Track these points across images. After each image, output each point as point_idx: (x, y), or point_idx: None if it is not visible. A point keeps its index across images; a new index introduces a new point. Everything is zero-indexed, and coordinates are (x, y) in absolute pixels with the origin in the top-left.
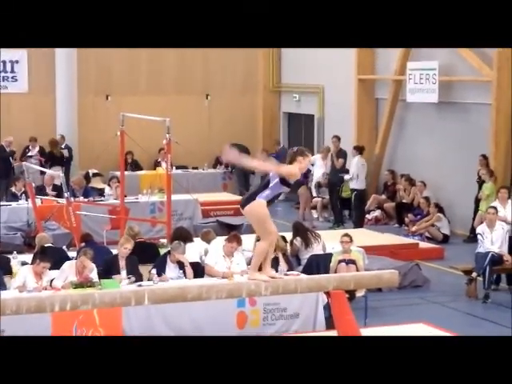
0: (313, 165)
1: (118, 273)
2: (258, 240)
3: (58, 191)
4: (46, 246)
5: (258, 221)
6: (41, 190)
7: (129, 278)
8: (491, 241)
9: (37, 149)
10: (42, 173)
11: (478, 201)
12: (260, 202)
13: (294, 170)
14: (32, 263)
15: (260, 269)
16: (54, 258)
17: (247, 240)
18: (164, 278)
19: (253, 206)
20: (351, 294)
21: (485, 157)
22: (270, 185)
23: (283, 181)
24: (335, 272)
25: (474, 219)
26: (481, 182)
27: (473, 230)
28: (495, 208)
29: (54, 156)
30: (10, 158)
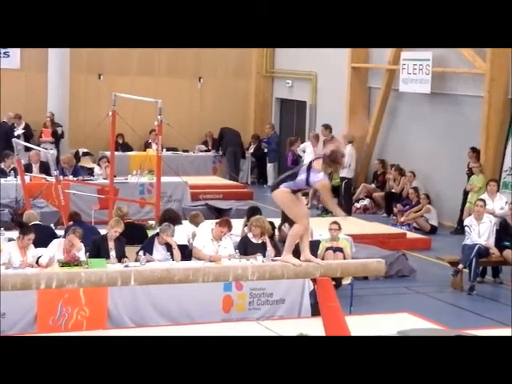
0: (304, 152)
1: (107, 253)
2: (245, 225)
3: (45, 169)
4: (33, 223)
5: (283, 206)
6: (27, 168)
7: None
8: (478, 233)
9: (22, 126)
10: (27, 150)
11: (466, 193)
12: (283, 190)
13: (326, 185)
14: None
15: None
16: (41, 235)
17: (235, 225)
18: (150, 258)
19: (277, 193)
20: (337, 282)
21: (474, 149)
22: (297, 178)
23: (308, 182)
24: (322, 259)
25: (461, 211)
26: (470, 175)
27: (460, 221)
28: (483, 200)
29: (57, 133)
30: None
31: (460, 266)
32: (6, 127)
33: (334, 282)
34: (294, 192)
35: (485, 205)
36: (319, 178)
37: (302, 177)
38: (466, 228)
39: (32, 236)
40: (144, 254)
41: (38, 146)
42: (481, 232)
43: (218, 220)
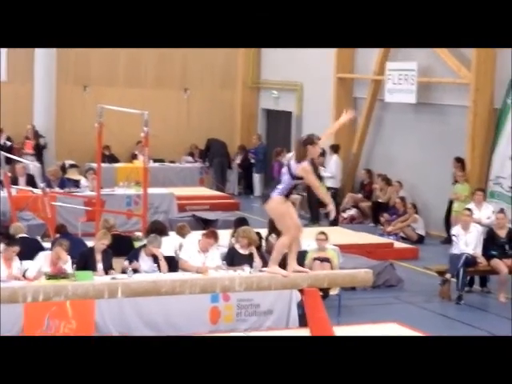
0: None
1: (94, 266)
2: (232, 236)
3: (32, 181)
4: (20, 236)
5: (276, 217)
6: (13, 181)
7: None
8: (465, 242)
9: (3, 138)
10: (8, 162)
11: (450, 202)
12: (276, 199)
13: (307, 169)
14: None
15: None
16: (28, 248)
17: (222, 236)
18: (135, 265)
19: (271, 203)
20: (325, 292)
21: (459, 159)
22: (283, 182)
23: (294, 176)
24: (310, 269)
25: (446, 220)
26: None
27: (449, 231)
28: (470, 210)
29: (39, 146)
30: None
31: (447, 276)
32: None
33: (321, 293)
34: (287, 196)
35: (471, 214)
36: (300, 165)
37: (285, 176)
38: (453, 237)
39: (17, 248)
40: (129, 263)
41: (21, 157)
42: (468, 241)
43: (204, 231)
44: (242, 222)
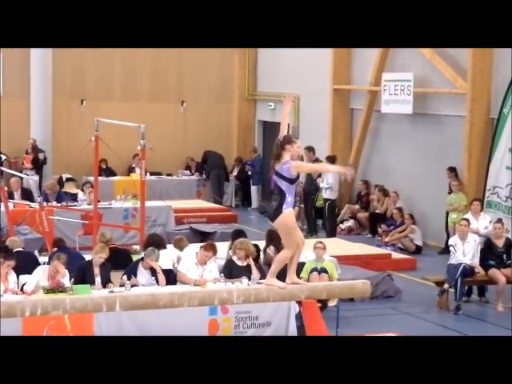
0: None
1: (92, 279)
2: (230, 249)
3: (27, 195)
4: (16, 250)
5: (286, 231)
6: (8, 195)
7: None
8: (463, 252)
9: None
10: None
11: (448, 213)
12: (289, 213)
13: (298, 164)
14: None
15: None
16: (24, 262)
17: (220, 248)
18: (135, 281)
19: (283, 218)
20: (323, 304)
21: (452, 169)
22: (286, 191)
23: (290, 180)
24: (307, 281)
25: (447, 231)
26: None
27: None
28: (467, 220)
29: (38, 160)
30: None
31: (445, 286)
32: None
33: (320, 304)
34: (295, 204)
35: (469, 224)
36: (288, 165)
37: (283, 184)
38: (451, 248)
39: (12, 263)
40: (128, 279)
41: (21, 172)
42: (465, 251)
43: (202, 244)
44: (239, 233)
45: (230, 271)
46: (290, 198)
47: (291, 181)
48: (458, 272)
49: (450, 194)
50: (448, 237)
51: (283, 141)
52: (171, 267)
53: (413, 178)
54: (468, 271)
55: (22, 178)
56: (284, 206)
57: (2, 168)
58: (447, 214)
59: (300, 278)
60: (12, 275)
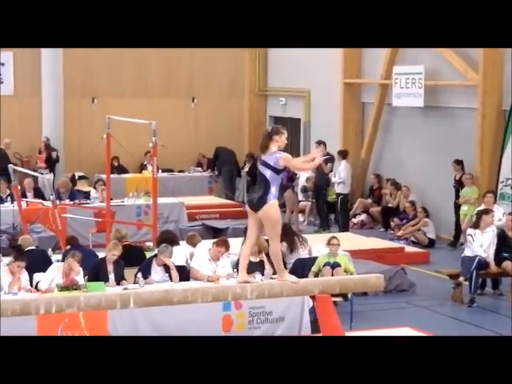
0: None
1: (106, 277)
2: (243, 244)
3: (40, 194)
4: (28, 248)
5: (270, 224)
6: (21, 194)
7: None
8: (480, 243)
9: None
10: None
11: (457, 206)
12: (274, 204)
13: (287, 157)
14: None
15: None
16: (36, 260)
17: (233, 244)
18: (150, 281)
19: (268, 210)
20: (344, 296)
21: (458, 161)
22: (270, 181)
23: (277, 170)
24: (316, 276)
25: (456, 224)
26: (458, 187)
27: (457, 235)
28: (492, 211)
29: (51, 159)
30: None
31: (461, 279)
32: (3, 154)
33: (341, 297)
34: (283, 191)
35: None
36: (277, 156)
37: (268, 174)
38: (469, 237)
39: (23, 263)
40: (143, 277)
41: (34, 171)
42: (483, 242)
43: (215, 240)
44: None
45: None
46: (274, 189)
47: (277, 171)
48: (474, 265)
49: (454, 187)
50: (457, 230)
51: (271, 131)
52: (184, 264)
53: (425, 172)
54: (483, 264)
55: (35, 177)
56: (268, 197)
57: (17, 167)
58: (456, 207)
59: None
60: (24, 274)
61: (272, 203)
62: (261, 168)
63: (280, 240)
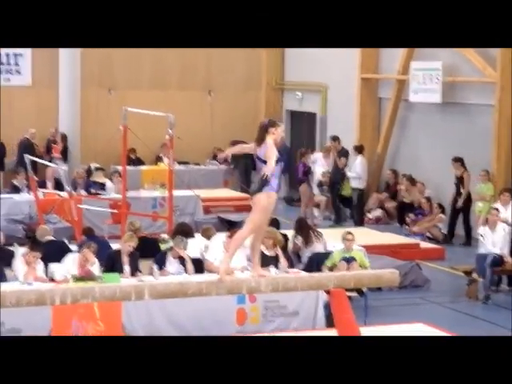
0: (314, 163)
1: (121, 268)
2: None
3: (58, 185)
4: (47, 239)
5: (259, 209)
6: (41, 184)
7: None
8: (492, 242)
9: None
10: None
11: (455, 201)
12: (268, 194)
13: (272, 159)
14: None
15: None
16: (55, 251)
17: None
18: (165, 273)
19: (260, 196)
20: (358, 291)
21: (457, 159)
22: (262, 171)
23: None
24: (331, 270)
25: (451, 223)
26: (458, 184)
27: (451, 230)
28: (497, 209)
29: (67, 149)
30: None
31: (475, 276)
32: (26, 143)
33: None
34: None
35: (499, 213)
36: (265, 147)
37: (262, 166)
38: (480, 237)
39: (39, 254)
40: (158, 269)
41: (50, 162)
42: (495, 241)
43: (229, 233)
44: (272, 222)
45: None
46: (273, 181)
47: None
48: (488, 261)
49: (455, 184)
50: (451, 228)
51: (267, 124)
52: (199, 256)
53: (441, 168)
54: (497, 261)
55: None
56: (265, 188)
57: (34, 158)
58: (453, 204)
59: (326, 267)
60: (40, 264)
61: (267, 193)
62: (257, 162)
63: (295, 234)
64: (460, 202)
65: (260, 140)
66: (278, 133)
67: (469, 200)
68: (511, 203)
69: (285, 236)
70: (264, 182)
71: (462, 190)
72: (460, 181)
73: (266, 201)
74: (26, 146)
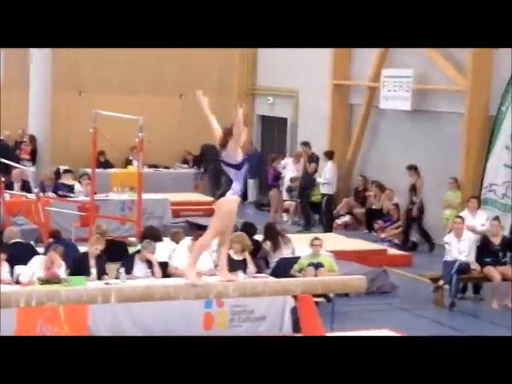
0: (284, 168)
1: (88, 271)
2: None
3: (27, 187)
4: (14, 241)
5: (219, 215)
6: (8, 186)
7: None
8: (458, 250)
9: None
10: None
11: (410, 210)
12: (231, 198)
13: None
14: None
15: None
16: (22, 253)
17: (215, 241)
18: (132, 276)
19: (222, 201)
20: (327, 297)
21: (411, 167)
22: (233, 178)
23: (237, 166)
24: (304, 276)
25: (405, 230)
26: (412, 192)
27: (406, 234)
28: (461, 217)
29: (36, 151)
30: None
31: (441, 282)
32: (3, 145)
33: (324, 298)
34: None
35: (463, 221)
36: (228, 152)
37: (230, 171)
38: (446, 245)
39: (4, 256)
40: (126, 272)
41: (18, 163)
42: (461, 249)
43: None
44: (249, 228)
45: None
46: (236, 184)
47: (237, 166)
48: (454, 269)
49: (410, 191)
50: (406, 235)
51: (231, 127)
52: (167, 260)
53: None
54: (464, 268)
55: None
56: (229, 192)
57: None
58: (407, 213)
59: (296, 271)
60: (4, 266)
61: (229, 198)
62: (223, 167)
63: (263, 239)
64: (414, 211)
65: (225, 143)
66: (243, 137)
67: (422, 207)
68: (478, 210)
69: (257, 242)
70: (226, 187)
71: (414, 198)
72: (413, 188)
73: (227, 205)
74: (2, 148)
